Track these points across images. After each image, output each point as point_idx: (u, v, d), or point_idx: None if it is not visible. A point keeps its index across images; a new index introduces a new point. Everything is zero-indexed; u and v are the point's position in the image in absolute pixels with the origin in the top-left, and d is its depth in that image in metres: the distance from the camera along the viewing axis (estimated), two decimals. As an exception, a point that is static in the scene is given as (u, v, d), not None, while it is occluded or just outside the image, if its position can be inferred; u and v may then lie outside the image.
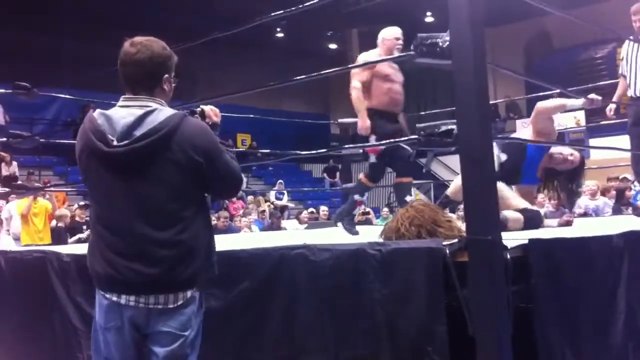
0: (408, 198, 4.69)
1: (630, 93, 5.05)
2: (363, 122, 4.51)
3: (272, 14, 3.29)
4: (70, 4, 14.27)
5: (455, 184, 4.12)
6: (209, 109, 2.43)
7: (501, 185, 3.84)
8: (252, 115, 7.12)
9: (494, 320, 2.09)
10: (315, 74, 3.32)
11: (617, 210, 9.23)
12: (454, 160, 2.25)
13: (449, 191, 4.19)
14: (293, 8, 3.14)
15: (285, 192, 15.17)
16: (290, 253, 2.68)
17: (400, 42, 4.79)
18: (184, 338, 2.13)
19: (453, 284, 2.20)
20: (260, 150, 16.33)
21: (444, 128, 2.52)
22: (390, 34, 4.80)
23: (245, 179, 16.17)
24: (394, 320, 2.35)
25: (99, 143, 2.11)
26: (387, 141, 4.17)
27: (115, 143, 2.10)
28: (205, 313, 2.26)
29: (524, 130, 4.51)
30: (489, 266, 2.13)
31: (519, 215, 3.73)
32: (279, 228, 10.38)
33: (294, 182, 18.01)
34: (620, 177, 10.36)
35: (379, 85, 4.66)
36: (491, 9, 3.65)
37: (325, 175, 18.23)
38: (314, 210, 12.23)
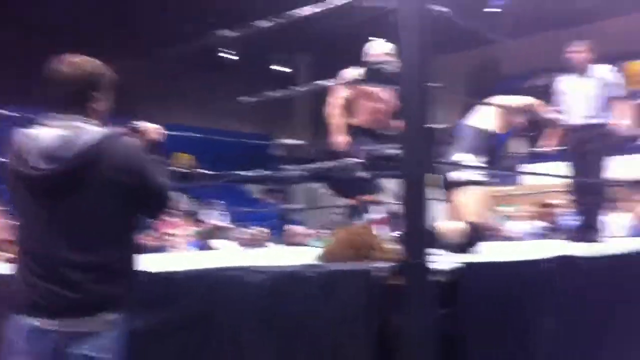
0: (358, 220, 4.67)
1: (567, 123, 5.23)
2: (336, 137, 4.43)
3: (221, 33, 3.27)
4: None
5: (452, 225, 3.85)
6: (150, 126, 2.39)
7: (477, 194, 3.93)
8: (193, 134, 7.04)
9: (425, 343, 2.10)
10: (261, 95, 3.30)
11: (548, 235, 9.49)
12: (395, 184, 2.28)
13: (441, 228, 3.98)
14: (243, 28, 3.12)
15: (224, 212, 15.02)
16: (226, 274, 2.64)
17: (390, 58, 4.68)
18: None
19: (387, 307, 2.20)
20: (199, 170, 16.17)
21: (388, 152, 2.55)
22: (378, 49, 4.42)
23: (183, 199, 15.96)
24: (328, 342, 2.34)
25: (22, 165, 2.04)
26: (326, 164, 4.18)
27: (40, 166, 2.02)
28: (135, 335, 2.20)
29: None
30: (422, 290, 2.16)
31: (462, 227, 3.72)
32: (216, 248, 10.23)
33: (234, 203, 17.86)
34: (553, 203, 10.69)
35: (364, 104, 4.56)
36: (440, 36, 3.71)
37: (265, 196, 18.15)
38: (252, 231, 12.12)
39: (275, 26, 3.15)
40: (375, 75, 2.46)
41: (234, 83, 17.80)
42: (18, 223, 2.17)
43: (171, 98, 17.24)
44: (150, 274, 2.95)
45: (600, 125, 5.06)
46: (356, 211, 4.74)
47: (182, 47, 3.20)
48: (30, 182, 2.05)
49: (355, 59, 4.67)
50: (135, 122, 2.40)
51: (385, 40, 4.42)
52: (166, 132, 2.48)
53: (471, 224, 3.74)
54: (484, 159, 3.98)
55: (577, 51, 5.32)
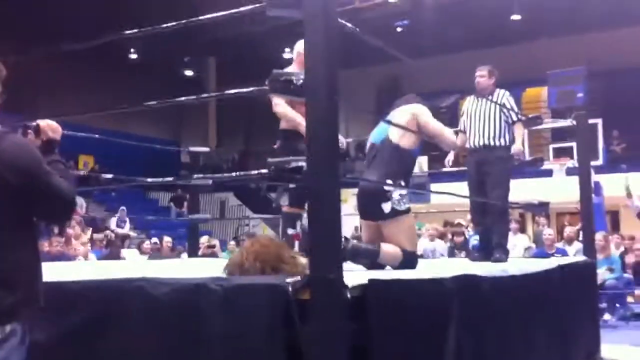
0: (290, 231, 4.59)
1: (468, 145, 5.39)
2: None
3: (126, 32, 3.16)
4: None
5: (392, 251, 3.76)
6: (45, 124, 2.25)
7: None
8: (97, 136, 6.79)
9: (332, 358, 2.09)
10: (168, 100, 3.22)
11: (451, 253, 9.79)
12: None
13: (382, 253, 3.74)
14: (148, 28, 3.03)
15: (127, 219, 14.59)
16: (128, 286, 2.54)
17: None
18: None
19: (294, 321, 2.18)
20: (103, 175, 15.67)
21: (294, 164, 2.54)
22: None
23: (84, 204, 15.39)
24: (234, 357, 2.29)
25: None
26: (237, 174, 4.13)
27: None
28: (31, 347, 2.08)
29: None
30: (330, 304, 2.15)
31: (399, 254, 3.73)
32: (118, 258, 9.93)
33: (138, 210, 17.40)
34: (456, 222, 11.05)
35: (299, 109, 4.34)
36: (346, 50, 3.74)
37: (171, 204, 17.79)
38: (157, 240, 11.84)
39: (180, 27, 3.08)
40: (282, 86, 2.43)
41: (139, 85, 17.49)
42: None
43: (73, 97, 16.63)
44: (47, 283, 2.81)
45: (499, 148, 5.24)
46: (291, 220, 4.65)
47: (86, 44, 3.07)
48: None
49: (262, 64, 4.61)
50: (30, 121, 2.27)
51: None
52: (65, 131, 2.34)
53: (405, 251, 3.76)
54: (406, 178, 3.97)
55: (480, 75, 5.51)
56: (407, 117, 4.01)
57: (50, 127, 2.25)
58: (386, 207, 3.76)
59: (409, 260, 3.75)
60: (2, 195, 1.94)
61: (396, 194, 3.77)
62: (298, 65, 4.58)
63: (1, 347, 1.94)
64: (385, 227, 3.84)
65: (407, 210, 3.85)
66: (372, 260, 3.73)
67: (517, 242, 10.33)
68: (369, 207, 3.89)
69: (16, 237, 2.00)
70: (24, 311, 2.01)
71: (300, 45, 4.56)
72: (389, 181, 3.76)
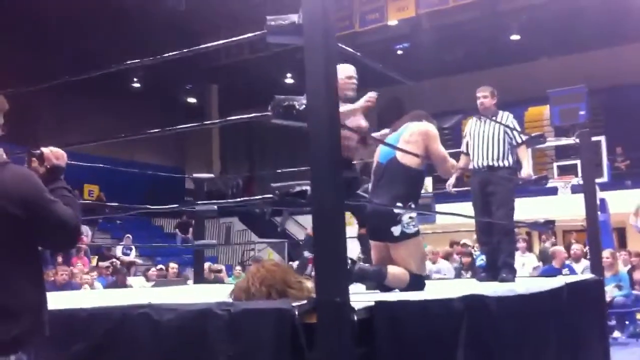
0: (307, 254, 4.56)
1: (472, 166, 5.40)
2: None
3: (128, 62, 3.20)
4: None
5: (399, 273, 3.76)
6: (48, 150, 2.26)
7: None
8: (101, 165, 6.83)
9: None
10: (171, 127, 3.24)
11: (458, 274, 9.74)
12: (309, 220, 2.29)
13: (389, 275, 3.74)
14: (150, 58, 3.07)
15: (133, 247, 14.59)
16: (133, 312, 2.54)
17: (355, 81, 4.45)
18: None
19: (301, 346, 2.17)
20: (108, 203, 15.69)
21: (298, 188, 2.54)
22: (341, 72, 4.06)
23: (89, 233, 15.41)
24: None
25: None
26: (241, 199, 4.13)
27: None
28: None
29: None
30: (337, 328, 2.14)
31: (406, 276, 3.72)
32: (124, 285, 9.91)
33: (144, 237, 17.41)
34: (461, 243, 11.02)
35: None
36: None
37: (177, 230, 17.79)
38: (162, 267, 11.83)
39: (182, 55, 3.11)
40: (287, 110, 2.45)
41: (142, 113, 17.59)
42: None
43: (75, 127, 16.72)
44: (53, 311, 2.81)
45: (503, 169, 5.25)
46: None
47: (88, 74, 3.11)
48: None
49: (264, 91, 4.63)
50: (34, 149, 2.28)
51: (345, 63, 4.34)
52: (69, 161, 2.35)
53: (412, 274, 3.74)
54: (416, 199, 3.94)
55: (483, 96, 5.54)
56: (416, 138, 3.96)
57: (55, 154, 2.26)
58: (396, 230, 3.74)
59: (417, 282, 3.73)
60: (5, 225, 1.94)
61: (406, 217, 3.75)
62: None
63: None
64: (394, 250, 3.82)
65: (417, 233, 3.82)
66: (378, 282, 3.71)
67: (526, 261, 10.29)
68: (379, 230, 3.88)
69: (20, 266, 2.00)
70: (30, 341, 2.01)
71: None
72: (399, 204, 3.73)
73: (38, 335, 2.05)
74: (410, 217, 3.77)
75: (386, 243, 3.86)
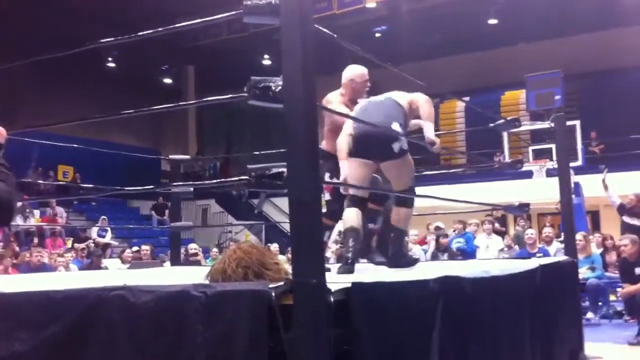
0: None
1: None
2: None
3: (103, 40, 3.14)
4: None
5: (402, 211, 4.20)
6: None
7: None
8: (76, 145, 6.72)
9: (316, 364, 2.09)
10: (147, 108, 3.20)
11: (434, 257, 9.82)
12: (287, 202, 2.29)
13: (397, 222, 4.20)
14: (125, 36, 3.02)
15: (108, 229, 14.48)
16: (108, 294, 2.52)
17: (368, 83, 4.63)
18: None
19: (277, 327, 2.17)
20: (82, 185, 15.52)
21: (274, 170, 2.53)
22: (361, 75, 4.58)
23: (64, 214, 15.25)
24: (216, 365, 2.28)
25: None
26: (217, 181, 4.11)
27: None
28: (10, 358, 2.05)
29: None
30: (313, 309, 2.15)
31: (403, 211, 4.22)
32: (99, 267, 9.84)
33: (120, 219, 17.29)
34: (435, 226, 11.11)
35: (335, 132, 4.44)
36: (325, 57, 3.78)
37: (153, 212, 17.68)
38: (138, 249, 11.76)
39: (159, 36, 3.07)
40: (263, 92, 2.44)
41: (117, 93, 17.38)
42: None
43: (51, 107, 16.48)
44: (27, 293, 2.78)
45: None
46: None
47: (62, 52, 3.05)
48: None
49: (242, 72, 4.60)
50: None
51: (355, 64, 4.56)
52: (44, 141, 2.30)
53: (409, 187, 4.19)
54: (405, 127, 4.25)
55: None
56: (405, 99, 4.28)
57: None
58: (396, 146, 3.98)
59: (411, 193, 4.21)
60: None
61: (401, 135, 4.02)
62: (347, 91, 4.61)
63: None
64: (391, 166, 4.10)
65: (408, 150, 4.10)
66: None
67: (490, 243, 10.43)
68: (378, 148, 4.04)
69: None
70: None
71: (349, 72, 4.62)
72: (395, 123, 3.99)
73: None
74: (404, 137, 4.05)
75: (383, 162, 4.10)
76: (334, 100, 4.59)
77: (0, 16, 14.32)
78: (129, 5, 15.15)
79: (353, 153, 4.09)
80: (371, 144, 4.05)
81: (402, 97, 4.29)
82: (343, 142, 4.15)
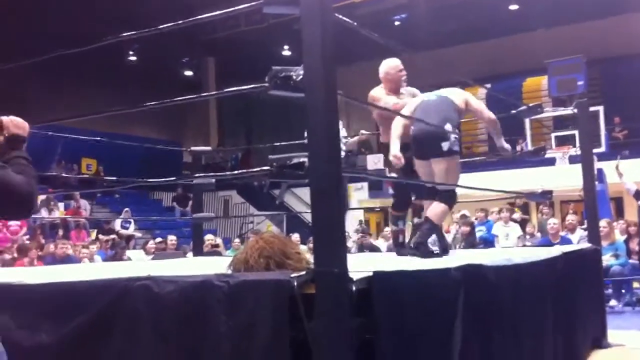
0: (393, 228, 5.01)
1: None
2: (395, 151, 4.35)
3: (124, 34, 3.17)
4: None
5: (441, 207, 4.28)
6: (8, 119, 2.21)
7: None
8: (98, 139, 6.81)
9: (338, 352, 2.10)
10: (168, 100, 3.22)
11: (470, 244, 9.74)
12: (308, 192, 2.30)
13: (431, 215, 4.27)
14: (145, 30, 3.04)
15: (131, 220, 14.62)
16: (133, 285, 2.56)
17: (404, 72, 4.78)
18: None
19: (300, 316, 2.19)
20: (106, 177, 15.69)
21: (295, 160, 2.54)
22: (395, 67, 4.74)
23: (88, 207, 15.42)
24: (240, 353, 2.30)
25: None
26: (239, 172, 4.13)
27: None
28: (37, 349, 2.09)
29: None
30: (335, 298, 2.16)
31: (440, 207, 4.30)
32: (122, 259, 9.95)
33: (142, 211, 17.43)
34: (460, 214, 11.04)
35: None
36: (345, 46, 3.77)
37: (175, 204, 17.79)
38: (162, 240, 11.86)
39: (178, 28, 3.09)
40: (284, 81, 2.44)
41: (138, 87, 17.48)
42: None
43: (73, 102, 16.63)
44: (54, 284, 2.83)
45: None
46: (394, 219, 4.99)
47: (84, 47, 3.09)
48: None
49: (262, 63, 4.60)
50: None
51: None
52: (67, 135, 2.33)
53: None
54: (459, 128, 4.54)
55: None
56: (461, 98, 4.46)
57: (14, 122, 2.21)
58: (445, 145, 4.18)
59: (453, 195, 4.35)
60: None
61: (452, 136, 4.20)
62: (386, 84, 4.75)
63: None
64: (438, 164, 4.26)
65: (458, 153, 4.32)
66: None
67: (509, 232, 10.35)
68: (428, 146, 4.27)
69: None
70: None
71: (382, 67, 4.75)
72: (448, 124, 4.20)
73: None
74: (455, 137, 4.25)
75: (432, 159, 4.27)
76: (380, 95, 4.72)
77: (18, 13, 14.45)
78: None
79: (414, 154, 4.41)
80: (423, 142, 4.30)
81: (458, 96, 4.47)
82: (397, 125, 4.40)
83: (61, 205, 14.70)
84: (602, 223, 7.63)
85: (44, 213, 12.59)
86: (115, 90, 17.07)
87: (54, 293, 2.16)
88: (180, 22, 3.07)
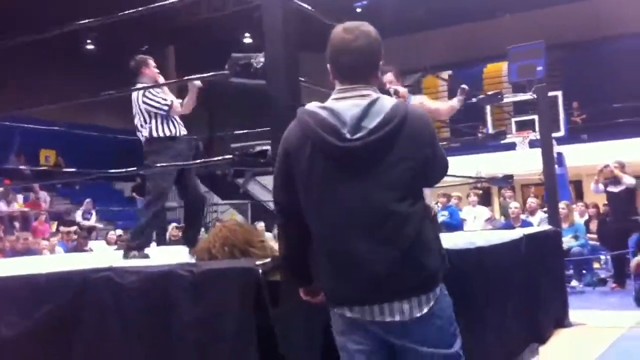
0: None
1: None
2: None
3: (81, 22, 3.10)
4: None
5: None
6: None
7: None
8: (57, 128, 6.66)
9: (304, 338, 2.10)
10: (125, 89, 3.18)
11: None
12: (271, 180, 2.28)
13: None
14: (103, 17, 2.98)
15: (93, 211, 14.40)
16: (95, 276, 2.52)
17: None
18: None
19: (265, 304, 2.18)
20: (65, 170, 15.40)
21: (258, 148, 2.53)
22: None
23: (48, 198, 15.15)
24: (205, 342, 2.29)
25: (330, 138, 1.85)
26: (199, 161, 4.08)
27: (349, 137, 1.85)
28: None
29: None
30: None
31: None
32: (84, 250, 9.82)
33: (105, 202, 17.18)
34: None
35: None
36: (305, 33, 3.74)
37: (134, 194, 17.57)
38: (122, 232, 11.74)
39: (138, 16, 3.03)
40: (245, 69, 2.41)
41: (98, 75, 17.15)
42: (311, 205, 1.93)
43: (29, 91, 16.26)
44: (14, 277, 2.77)
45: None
46: None
47: (39, 35, 3.01)
48: (341, 156, 1.86)
49: (220, 51, 4.50)
50: None
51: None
52: (25, 125, 2.29)
53: None
54: None
55: None
56: (416, 102, 4.35)
57: None
58: None
59: None
60: (414, 167, 1.92)
61: None
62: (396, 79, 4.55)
63: None
64: None
65: None
66: None
67: (478, 214, 10.48)
68: None
69: (418, 208, 1.95)
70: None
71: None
72: None
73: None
74: None
75: None
76: (421, 99, 4.76)
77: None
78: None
79: None
80: None
81: (413, 102, 4.40)
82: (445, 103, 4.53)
83: (20, 197, 14.40)
84: (561, 205, 7.76)
85: (2, 206, 12.33)
86: (75, 79, 16.75)
87: (16, 286, 2.11)
88: (139, 9, 3.02)
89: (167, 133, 4.42)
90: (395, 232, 1.86)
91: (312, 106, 1.95)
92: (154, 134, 4.40)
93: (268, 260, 2.30)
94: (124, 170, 3.80)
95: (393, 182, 1.88)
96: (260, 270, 2.22)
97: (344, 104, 1.91)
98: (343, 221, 1.87)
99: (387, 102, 1.92)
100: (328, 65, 2.00)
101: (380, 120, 1.87)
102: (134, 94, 4.37)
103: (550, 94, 8.98)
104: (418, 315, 1.86)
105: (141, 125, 4.45)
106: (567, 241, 8.16)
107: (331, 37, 1.98)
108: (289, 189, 1.96)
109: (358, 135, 1.86)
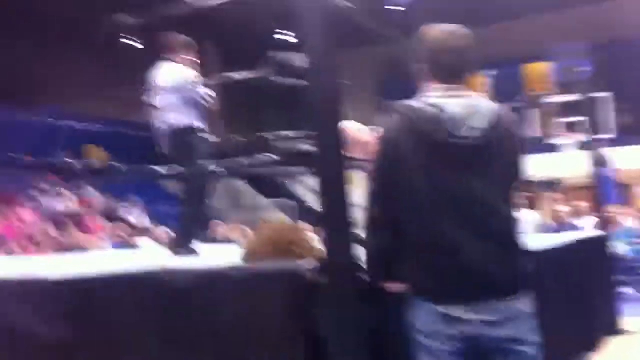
0: None
1: None
2: None
3: (123, 19, 3.14)
4: None
5: None
6: None
7: None
8: (98, 125, 6.78)
9: (350, 341, 2.10)
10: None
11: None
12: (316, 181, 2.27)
13: None
14: (146, 14, 3.01)
15: (141, 209, 14.61)
16: (145, 276, 2.55)
17: None
18: None
19: (311, 306, 2.18)
20: (115, 165, 15.62)
21: (302, 149, 2.52)
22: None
23: (98, 195, 15.42)
24: (251, 344, 2.30)
25: (439, 134, 1.95)
26: (248, 159, 4.09)
27: (458, 134, 1.95)
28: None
29: None
30: (347, 288, 2.14)
31: None
32: (133, 247, 9.98)
33: (152, 199, 17.39)
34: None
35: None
36: (346, 32, 3.78)
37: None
38: (168, 230, 11.87)
39: (178, 12, 3.04)
40: (282, 69, 2.40)
41: (141, 73, 17.08)
42: (416, 200, 2.00)
43: (77, 87, 16.46)
44: (68, 277, 2.82)
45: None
46: None
47: (84, 32, 3.08)
48: (450, 152, 1.96)
49: (260, 48, 4.46)
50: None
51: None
52: (70, 122, 2.33)
53: None
54: None
55: None
56: None
57: None
58: None
59: None
60: (514, 165, 2.08)
61: None
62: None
63: None
64: None
65: None
66: None
67: (528, 218, 10.30)
68: None
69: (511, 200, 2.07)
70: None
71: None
72: None
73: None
74: None
75: None
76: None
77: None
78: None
79: None
80: None
81: None
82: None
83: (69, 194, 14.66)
84: (611, 209, 7.60)
85: (54, 203, 12.58)
86: (117, 75, 16.93)
87: (63, 286, 2.15)
88: (180, 6, 3.05)
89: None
90: (498, 231, 1.93)
91: (416, 102, 2.02)
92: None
93: (315, 262, 2.29)
94: (172, 169, 3.83)
95: (498, 182, 1.97)
96: (305, 272, 2.22)
97: (448, 102, 1.99)
98: (447, 212, 1.93)
99: (489, 104, 2.03)
100: (417, 65, 2.09)
101: (487, 121, 1.96)
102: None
103: (599, 94, 8.79)
104: (514, 314, 1.92)
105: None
106: (618, 246, 7.99)
107: (428, 38, 2.10)
108: (388, 182, 2.05)
109: (467, 134, 1.94)
